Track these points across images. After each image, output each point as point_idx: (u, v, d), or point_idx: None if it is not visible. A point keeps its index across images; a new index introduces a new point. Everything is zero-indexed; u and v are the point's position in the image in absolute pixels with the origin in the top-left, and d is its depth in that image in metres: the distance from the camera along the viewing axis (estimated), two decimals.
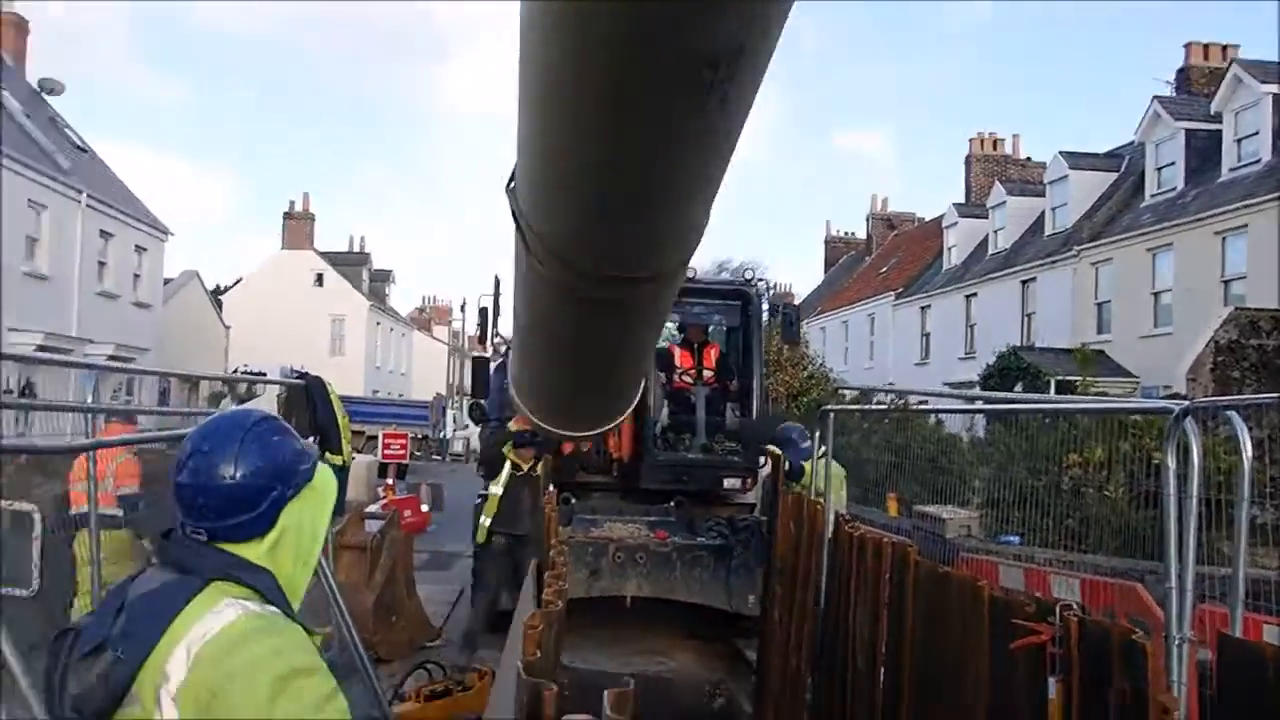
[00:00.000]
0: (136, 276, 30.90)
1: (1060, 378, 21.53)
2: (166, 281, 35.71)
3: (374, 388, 49.01)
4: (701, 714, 8.23)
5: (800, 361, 28.45)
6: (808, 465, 8.53)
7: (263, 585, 1.94)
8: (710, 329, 11.16)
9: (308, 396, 10.08)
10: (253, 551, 1.96)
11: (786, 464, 8.40)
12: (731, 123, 2.05)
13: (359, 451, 20.20)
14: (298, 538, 2.02)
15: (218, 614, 1.83)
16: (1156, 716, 2.98)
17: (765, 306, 11.65)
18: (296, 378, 12.57)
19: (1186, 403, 4.64)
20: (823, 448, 7.68)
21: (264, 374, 29.37)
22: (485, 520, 9.77)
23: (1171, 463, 4.44)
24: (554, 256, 2.66)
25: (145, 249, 31.37)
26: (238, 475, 1.95)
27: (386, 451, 19.60)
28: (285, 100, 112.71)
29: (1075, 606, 4.03)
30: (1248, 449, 4.35)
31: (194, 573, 1.91)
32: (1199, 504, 4.49)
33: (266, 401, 24.71)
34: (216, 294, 46.91)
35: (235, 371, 33.07)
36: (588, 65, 1.77)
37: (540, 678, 2.62)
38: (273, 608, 1.91)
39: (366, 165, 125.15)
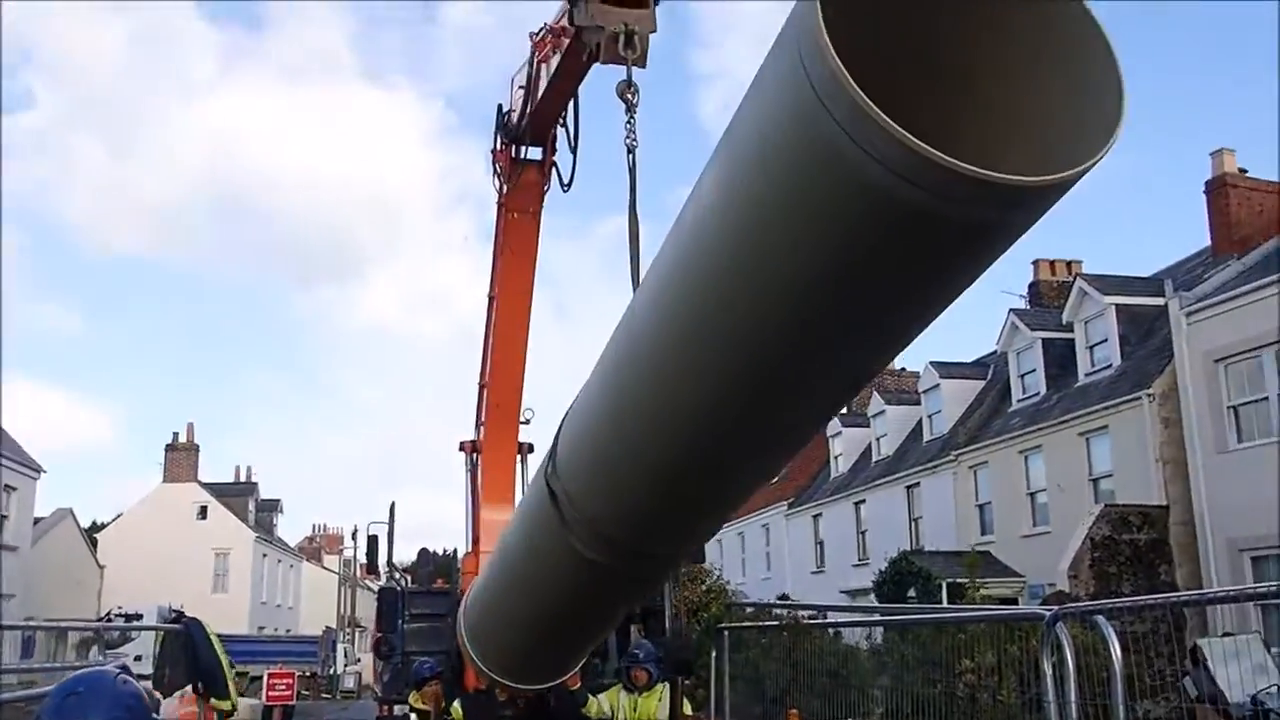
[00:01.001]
0: (4, 518, 29.45)
1: (950, 580, 21.90)
2: (37, 521, 34.08)
3: (260, 624, 46.71)
4: None
5: (698, 576, 28.27)
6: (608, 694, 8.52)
7: None
8: None
9: (189, 639, 9.65)
10: None
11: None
12: (819, 413, 2.43)
13: (242, 695, 19.12)
14: None
15: None
16: None
17: None
18: (174, 619, 12.02)
19: (1055, 608, 4.86)
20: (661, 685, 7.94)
21: (140, 615, 27.89)
22: None
23: (1048, 668, 4.59)
24: (602, 538, 2.87)
25: (15, 488, 30.06)
26: (112, 715, 2.10)
27: (271, 693, 18.59)
28: (173, 327, 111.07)
29: None
30: (1116, 651, 4.53)
31: None
32: (1078, 708, 4.62)
33: (142, 645, 23.30)
34: (92, 532, 44.88)
35: (109, 614, 31.30)
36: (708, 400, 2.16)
37: None
38: None
39: (255, 392, 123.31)
